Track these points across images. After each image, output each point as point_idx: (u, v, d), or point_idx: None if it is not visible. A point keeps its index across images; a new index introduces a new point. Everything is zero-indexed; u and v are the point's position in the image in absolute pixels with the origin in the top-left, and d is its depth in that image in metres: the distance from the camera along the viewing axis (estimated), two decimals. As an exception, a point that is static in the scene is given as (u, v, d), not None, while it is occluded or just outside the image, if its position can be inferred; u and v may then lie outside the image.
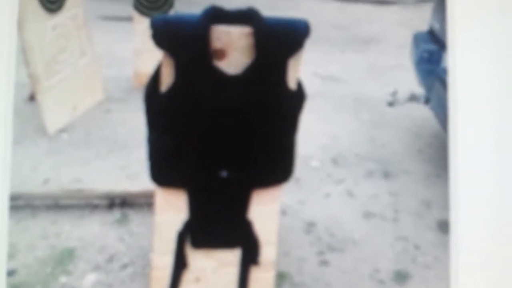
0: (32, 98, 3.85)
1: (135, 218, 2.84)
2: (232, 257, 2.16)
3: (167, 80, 1.91)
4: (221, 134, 1.98)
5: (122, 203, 2.92)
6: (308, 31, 1.94)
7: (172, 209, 2.08)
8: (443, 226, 2.82)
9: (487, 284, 1.97)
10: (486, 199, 1.98)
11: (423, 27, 3.93)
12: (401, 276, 2.54)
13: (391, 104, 3.95)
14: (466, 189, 1.98)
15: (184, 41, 1.88)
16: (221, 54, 1.90)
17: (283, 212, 2.88)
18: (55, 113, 3.78)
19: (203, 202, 2.09)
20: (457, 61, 2.00)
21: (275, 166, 2.09)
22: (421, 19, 4.08)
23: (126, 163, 3.34)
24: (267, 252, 2.17)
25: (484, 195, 1.98)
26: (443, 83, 3.04)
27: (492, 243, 1.98)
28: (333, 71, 4.99)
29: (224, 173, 2.03)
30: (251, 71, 1.91)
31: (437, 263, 2.61)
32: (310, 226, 2.85)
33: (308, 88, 2.06)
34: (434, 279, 2.52)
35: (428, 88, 3.54)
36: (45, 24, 3.71)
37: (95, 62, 4.23)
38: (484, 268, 1.98)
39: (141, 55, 4.36)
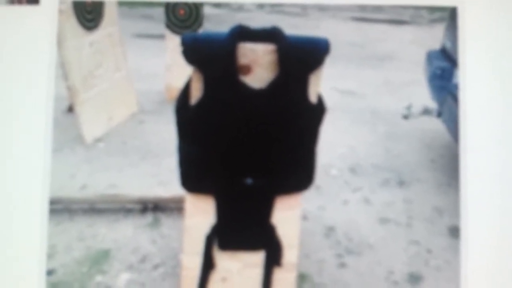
0: (70, 109, 3.87)
1: (166, 221, 2.85)
2: (256, 259, 2.16)
3: (196, 94, 1.93)
4: (246, 144, 1.98)
5: (154, 208, 2.93)
6: (328, 48, 1.95)
7: (201, 213, 2.09)
8: (454, 232, 2.80)
9: (495, 286, 1.96)
10: (494, 206, 1.98)
11: (436, 45, 3.91)
12: (414, 278, 2.53)
13: (405, 117, 3.94)
14: (476, 197, 1.98)
15: (212, 58, 1.89)
16: (246, 69, 1.91)
17: (304, 217, 2.87)
18: (92, 123, 3.80)
19: (229, 208, 2.09)
20: (467, 77, 2.01)
21: (297, 174, 2.09)
22: (434, 38, 4.05)
23: (158, 171, 3.35)
24: (289, 254, 2.17)
25: (492, 203, 1.98)
26: (455, 98, 3.02)
27: (500, 248, 1.98)
28: (351, 86, 4.97)
29: (249, 181, 2.03)
30: (275, 86, 1.92)
31: (448, 266, 2.59)
32: (329, 230, 2.84)
33: (328, 102, 2.06)
34: (445, 281, 2.51)
35: (441, 102, 3.52)
36: (83, 41, 3.74)
37: (129, 76, 4.25)
38: (492, 271, 1.97)
39: (172, 70, 4.37)
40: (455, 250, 2.11)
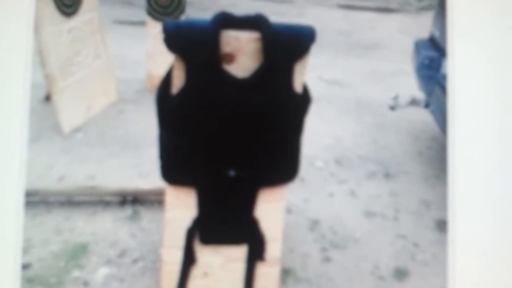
0: (48, 98, 3.86)
1: (146, 214, 2.85)
2: (239, 253, 2.16)
3: (178, 83, 1.92)
4: (229, 135, 1.98)
5: (134, 200, 2.92)
6: (314, 37, 1.94)
7: (182, 206, 2.09)
8: (441, 225, 2.82)
9: (482, 281, 1.97)
10: (483, 199, 1.99)
11: (424, 34, 3.92)
12: (400, 273, 2.54)
13: (392, 108, 3.95)
14: (464, 190, 1.99)
15: (194, 45, 1.88)
16: (230, 58, 1.90)
17: (288, 210, 2.88)
18: (70, 113, 3.78)
19: (212, 200, 2.09)
20: (456, 67, 2.01)
21: (281, 166, 2.09)
22: (422, 26, 4.08)
23: (138, 162, 3.34)
24: (273, 248, 2.17)
25: (481, 196, 1.99)
26: (443, 88, 3.03)
27: (488, 242, 1.99)
28: (337, 76, 4.98)
29: (232, 173, 2.03)
30: (259, 75, 1.91)
31: (435, 261, 2.61)
32: (314, 224, 2.85)
33: (313, 92, 2.06)
34: (432, 275, 2.52)
35: (428, 93, 3.54)
36: (61, 28, 3.72)
37: (109, 64, 4.23)
38: (479, 265, 1.98)
39: (153, 58, 4.36)
40: (443, 244, 2.12)
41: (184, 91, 1.91)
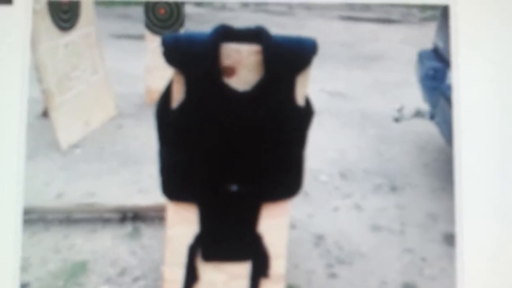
0: (45, 114, 3.86)
1: (147, 231, 2.84)
2: (242, 270, 2.15)
3: (177, 97, 1.91)
4: (231, 149, 1.97)
5: (134, 217, 2.91)
6: (316, 49, 1.94)
7: (183, 222, 2.08)
8: (449, 239, 2.81)
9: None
10: (491, 212, 1.98)
11: (428, 45, 3.93)
12: (408, 288, 2.54)
13: (397, 119, 3.95)
14: (471, 202, 1.98)
15: (194, 59, 1.88)
16: (230, 71, 1.90)
17: (292, 226, 2.87)
18: (67, 128, 3.79)
19: (214, 216, 2.08)
20: (460, 78, 2.01)
21: (284, 180, 2.08)
22: (425, 37, 4.08)
23: (138, 178, 3.34)
24: (277, 264, 2.16)
25: (489, 208, 1.98)
26: (448, 100, 3.03)
27: (497, 256, 1.98)
28: (340, 88, 4.99)
29: (234, 188, 2.02)
30: (260, 88, 1.91)
31: (443, 275, 2.60)
32: (319, 239, 2.84)
33: (316, 104, 2.06)
34: (440, 290, 2.52)
35: (433, 104, 3.53)
36: (58, 42, 3.73)
37: (107, 79, 4.24)
38: (489, 280, 1.97)
39: (152, 73, 4.37)
40: (451, 258, 2.11)
41: (184, 105, 1.91)
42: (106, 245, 2.74)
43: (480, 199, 1.99)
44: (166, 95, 1.96)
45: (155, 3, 4.45)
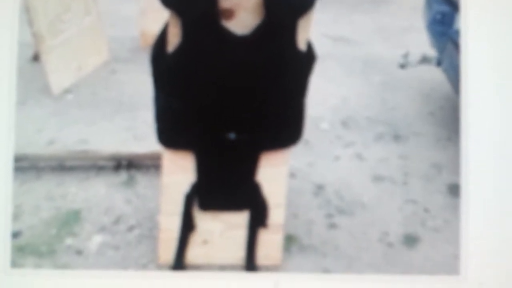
0: (36, 58, 3.86)
1: (142, 180, 2.86)
2: (240, 219, 2.18)
3: (174, 40, 1.92)
4: (229, 95, 1.98)
5: (129, 165, 2.93)
6: (319, -10, 1.94)
7: (179, 171, 2.10)
8: (454, 190, 2.83)
9: (496, 248, 1.98)
10: (497, 163, 1.99)
11: (436, -13, 3.90)
12: (410, 239, 2.55)
13: (402, 66, 3.94)
14: (477, 153, 1.98)
15: (191, 0, 1.87)
16: (229, 13, 1.90)
17: (292, 175, 2.88)
18: (59, 73, 3.78)
19: (211, 165, 2.10)
20: (469, 22, 1.99)
21: (284, 128, 2.09)
22: (434, -21, 4.04)
23: (133, 125, 3.35)
24: (276, 214, 2.19)
25: (495, 159, 1.99)
26: (456, 45, 3.02)
27: (502, 207, 1.99)
28: (343, 32, 4.97)
29: (232, 136, 2.04)
30: (260, 32, 1.91)
31: (446, 227, 2.62)
32: (319, 189, 2.85)
33: (318, 50, 2.06)
34: (443, 242, 2.53)
35: (440, 50, 3.53)
36: (49, -18, 3.71)
37: (100, 21, 4.22)
38: (493, 232, 1.99)
39: (147, 15, 4.34)
40: (455, 209, 2.13)
41: (180, 49, 1.91)
42: (100, 193, 2.75)
43: (486, 149, 1.99)
44: (162, 39, 1.97)
45: None
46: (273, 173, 2.14)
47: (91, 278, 2.03)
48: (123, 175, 2.88)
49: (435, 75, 3.79)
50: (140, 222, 2.58)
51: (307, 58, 2.04)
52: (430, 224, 2.65)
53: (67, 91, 3.77)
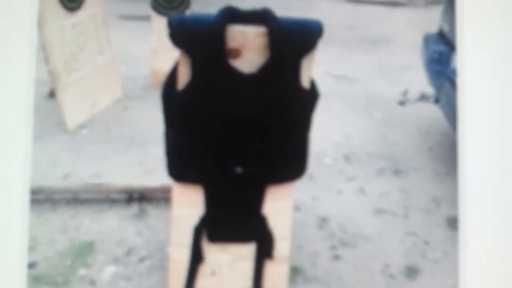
0: (52, 94, 3.87)
1: (153, 212, 2.85)
2: (247, 251, 2.16)
3: (183, 78, 1.92)
4: (236, 131, 1.98)
5: (140, 198, 2.92)
6: (321, 31, 1.94)
7: (189, 204, 2.09)
8: (452, 223, 2.82)
9: (494, 279, 1.97)
10: (494, 196, 1.98)
11: (433, 28, 3.92)
12: (411, 271, 2.54)
13: (402, 103, 3.95)
14: (475, 187, 1.98)
15: (200, 40, 1.88)
16: (236, 53, 1.90)
17: (297, 208, 2.88)
18: (74, 109, 3.80)
19: (219, 198, 2.09)
20: (466, 62, 2.00)
21: (289, 163, 2.09)
22: (431, 20, 4.07)
23: (144, 159, 3.36)
24: (281, 246, 2.17)
25: (492, 193, 1.98)
26: (453, 83, 3.03)
27: (500, 240, 1.98)
28: (345, 71, 4.99)
29: (239, 170, 2.03)
30: (266, 70, 1.91)
31: (446, 259, 2.61)
32: (323, 221, 2.85)
33: (321, 87, 2.07)
34: (443, 274, 2.52)
35: (438, 88, 3.54)
36: (65, 23, 3.73)
37: (113, 60, 4.25)
38: (491, 264, 1.98)
39: (159, 54, 4.37)
40: (454, 242, 2.12)
41: (189, 86, 1.92)
42: (113, 226, 2.75)
43: (484, 184, 1.99)
44: (172, 77, 1.97)
45: (162, -16, 4.45)
46: (279, 206, 2.13)
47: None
48: (134, 208, 2.88)
49: (433, 112, 3.79)
50: (151, 254, 2.57)
51: (311, 96, 2.04)
52: (430, 256, 2.64)
53: (81, 126, 3.78)
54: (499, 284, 1.97)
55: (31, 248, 2.53)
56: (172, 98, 1.98)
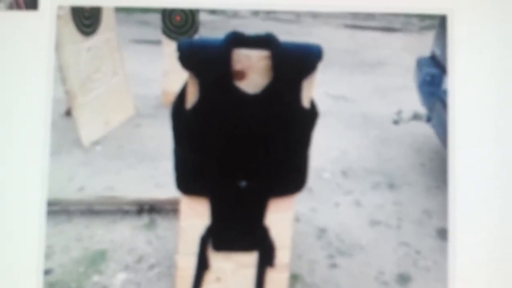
0: (68, 113, 3.87)
1: (162, 223, 2.85)
2: (249, 259, 2.17)
3: (192, 98, 1.93)
4: (241, 148, 1.99)
5: (150, 209, 2.93)
6: (321, 55, 1.96)
7: (196, 215, 2.10)
8: (442, 234, 2.81)
9: (481, 286, 1.97)
10: (482, 208, 1.99)
11: (426, 52, 3.92)
12: (403, 278, 2.54)
13: (396, 122, 3.95)
14: (463, 200, 1.99)
15: (207, 63, 1.89)
16: (241, 75, 1.92)
17: (297, 219, 2.88)
18: (89, 127, 3.80)
19: (224, 209, 2.10)
20: (456, 84, 2.02)
21: (290, 177, 2.09)
22: (424, 45, 4.07)
23: (154, 173, 3.35)
24: (282, 255, 2.18)
25: (480, 205, 1.99)
26: (444, 104, 3.03)
27: (487, 250, 1.99)
28: (343, 92, 4.98)
29: (243, 184, 2.04)
30: (269, 91, 1.93)
31: (436, 267, 2.60)
32: (321, 232, 2.85)
33: (320, 107, 2.07)
34: (433, 281, 2.52)
35: (430, 108, 3.54)
36: (81, 46, 3.74)
37: (127, 81, 4.25)
38: (479, 272, 1.98)
39: (169, 76, 4.37)
40: (443, 251, 2.12)
41: (197, 106, 1.93)
42: (125, 235, 2.75)
43: (472, 197, 2.00)
44: (181, 97, 1.98)
45: (172, 10, 4.45)
46: (280, 217, 2.14)
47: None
48: (145, 219, 2.88)
49: (425, 130, 3.79)
50: (160, 261, 2.57)
51: (311, 115, 2.05)
52: (421, 264, 2.63)
53: (96, 143, 3.78)
54: (485, 291, 1.98)
55: (48, 256, 2.53)
56: (181, 116, 1.99)
